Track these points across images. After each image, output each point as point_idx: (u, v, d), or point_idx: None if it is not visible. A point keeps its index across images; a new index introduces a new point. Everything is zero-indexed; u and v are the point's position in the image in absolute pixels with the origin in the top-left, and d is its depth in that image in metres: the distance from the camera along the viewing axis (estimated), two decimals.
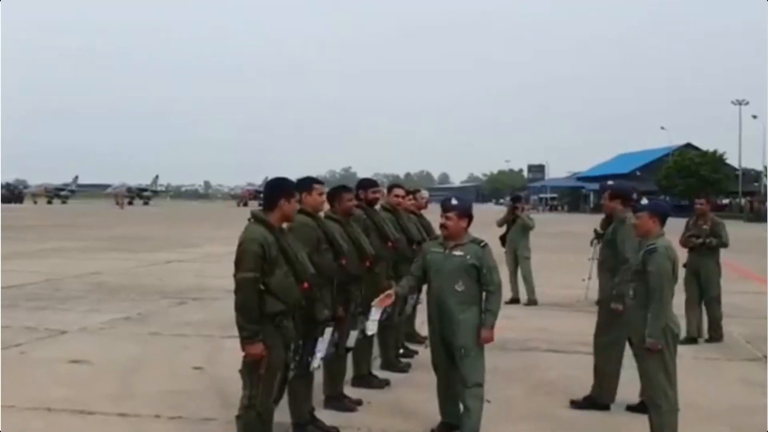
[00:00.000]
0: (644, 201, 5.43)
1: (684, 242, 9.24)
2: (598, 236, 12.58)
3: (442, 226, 5.43)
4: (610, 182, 7.14)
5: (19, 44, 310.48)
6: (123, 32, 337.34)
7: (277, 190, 4.88)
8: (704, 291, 9.26)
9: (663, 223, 5.30)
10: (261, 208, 4.95)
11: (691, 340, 9.05)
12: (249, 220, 4.84)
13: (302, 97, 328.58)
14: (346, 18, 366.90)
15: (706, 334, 9.26)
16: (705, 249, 9.23)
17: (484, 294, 5.35)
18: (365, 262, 6.09)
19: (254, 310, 4.58)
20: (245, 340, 4.60)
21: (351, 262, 5.82)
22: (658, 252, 5.13)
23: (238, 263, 4.62)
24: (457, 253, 5.32)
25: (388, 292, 5.57)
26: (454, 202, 5.43)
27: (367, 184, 7.32)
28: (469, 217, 5.44)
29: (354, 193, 6.62)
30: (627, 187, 7.08)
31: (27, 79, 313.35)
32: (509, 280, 12.36)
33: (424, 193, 8.99)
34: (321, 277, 5.21)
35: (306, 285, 4.82)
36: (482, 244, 5.38)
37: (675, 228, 9.73)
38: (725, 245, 9.32)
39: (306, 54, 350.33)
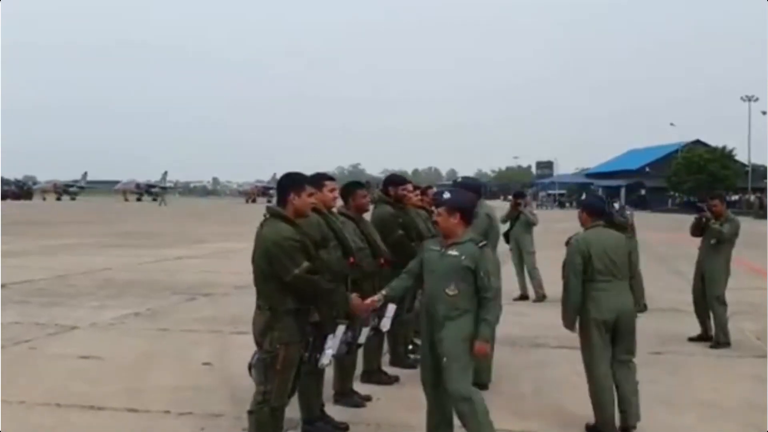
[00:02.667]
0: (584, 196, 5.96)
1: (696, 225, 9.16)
2: None
3: (434, 223, 5.19)
4: (458, 179, 7.86)
5: (26, 39, 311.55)
6: (132, 28, 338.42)
7: (286, 185, 4.83)
8: (707, 290, 8.91)
9: (591, 214, 5.82)
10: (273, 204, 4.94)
11: (702, 338, 9.00)
12: (265, 215, 4.81)
13: (311, 94, 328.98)
14: (357, 14, 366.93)
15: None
16: (713, 246, 8.92)
17: (479, 301, 4.84)
18: (379, 259, 6.07)
19: (324, 288, 4.75)
20: (340, 295, 4.93)
21: (364, 259, 5.81)
22: (569, 245, 5.75)
23: (288, 261, 4.56)
24: (452, 252, 4.84)
25: (373, 298, 5.14)
26: (445, 196, 5.04)
27: (397, 180, 7.33)
28: (462, 212, 4.92)
29: (383, 189, 6.98)
30: (474, 183, 7.79)
31: (35, 74, 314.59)
32: (517, 278, 12.37)
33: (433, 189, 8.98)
34: (332, 275, 5.19)
35: None
36: (480, 244, 4.89)
37: (688, 224, 9.66)
38: (721, 236, 8.84)
39: (316, 49, 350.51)
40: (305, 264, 4.60)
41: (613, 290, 5.56)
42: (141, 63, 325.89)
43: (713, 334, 8.86)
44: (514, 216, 12.73)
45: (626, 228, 11.72)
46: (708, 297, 8.92)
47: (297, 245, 4.61)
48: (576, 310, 5.65)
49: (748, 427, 5.82)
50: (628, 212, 11.90)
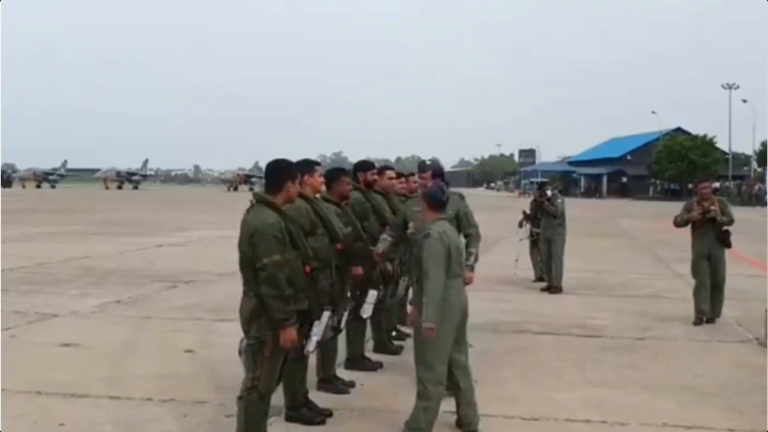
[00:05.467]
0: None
1: (700, 218, 9.27)
2: (526, 217, 12.91)
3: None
4: (427, 161, 7.25)
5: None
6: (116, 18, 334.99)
7: (284, 172, 4.82)
8: (714, 273, 9.38)
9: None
10: (263, 189, 4.87)
11: (699, 322, 9.23)
12: (252, 202, 4.77)
13: (292, 81, 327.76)
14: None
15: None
16: (715, 230, 9.27)
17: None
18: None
19: (287, 293, 4.55)
20: (282, 323, 4.52)
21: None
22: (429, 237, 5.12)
23: (262, 249, 4.52)
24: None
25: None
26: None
27: (366, 166, 7.28)
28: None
29: (352, 176, 6.66)
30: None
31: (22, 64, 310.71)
32: None
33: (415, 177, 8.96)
34: (319, 261, 5.17)
35: (308, 269, 4.86)
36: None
37: (670, 211, 9.81)
38: (732, 222, 9.45)
39: (296, 35, 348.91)
40: (276, 256, 4.53)
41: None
42: (124, 49, 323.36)
43: (712, 313, 9.36)
44: None
45: (556, 216, 11.99)
46: (718, 279, 9.43)
47: (278, 235, 4.58)
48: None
49: (729, 411, 5.86)
50: (559, 200, 12.15)
